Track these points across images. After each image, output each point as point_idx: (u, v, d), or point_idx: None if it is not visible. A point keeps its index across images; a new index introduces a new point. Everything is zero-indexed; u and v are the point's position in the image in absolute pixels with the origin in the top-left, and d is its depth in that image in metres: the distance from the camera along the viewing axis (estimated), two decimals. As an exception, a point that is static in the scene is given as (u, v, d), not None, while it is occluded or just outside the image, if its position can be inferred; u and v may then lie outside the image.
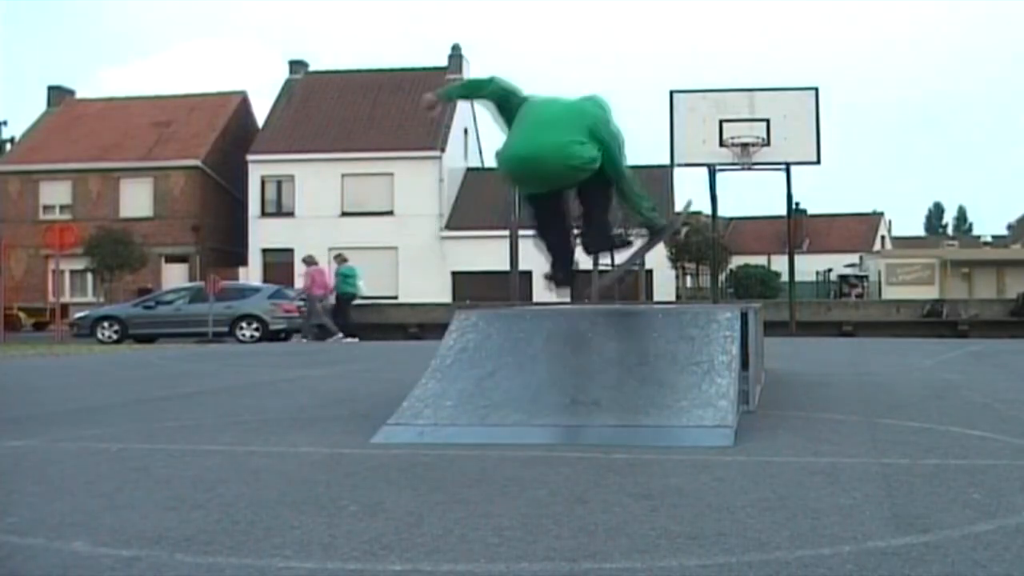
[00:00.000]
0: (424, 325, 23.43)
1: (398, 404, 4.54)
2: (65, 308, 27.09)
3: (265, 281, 29.72)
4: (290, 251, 33.77)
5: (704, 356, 4.50)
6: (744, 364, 4.90)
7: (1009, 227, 66.89)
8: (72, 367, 10.84)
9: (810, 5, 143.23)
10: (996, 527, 2.61)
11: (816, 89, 18.82)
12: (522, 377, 4.57)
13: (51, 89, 42.41)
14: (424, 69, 40.63)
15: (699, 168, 19.44)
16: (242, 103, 41.70)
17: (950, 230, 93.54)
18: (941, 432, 4.41)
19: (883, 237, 54.41)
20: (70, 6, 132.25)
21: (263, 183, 37.79)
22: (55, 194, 38.30)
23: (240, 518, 2.81)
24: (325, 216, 36.86)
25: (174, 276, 35.64)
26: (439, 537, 2.57)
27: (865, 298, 36.64)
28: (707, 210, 19.55)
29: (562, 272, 5.17)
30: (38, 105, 44.27)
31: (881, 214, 56.72)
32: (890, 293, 36.25)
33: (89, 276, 34.49)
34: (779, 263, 33.78)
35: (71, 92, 42.84)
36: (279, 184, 37.93)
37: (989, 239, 59.31)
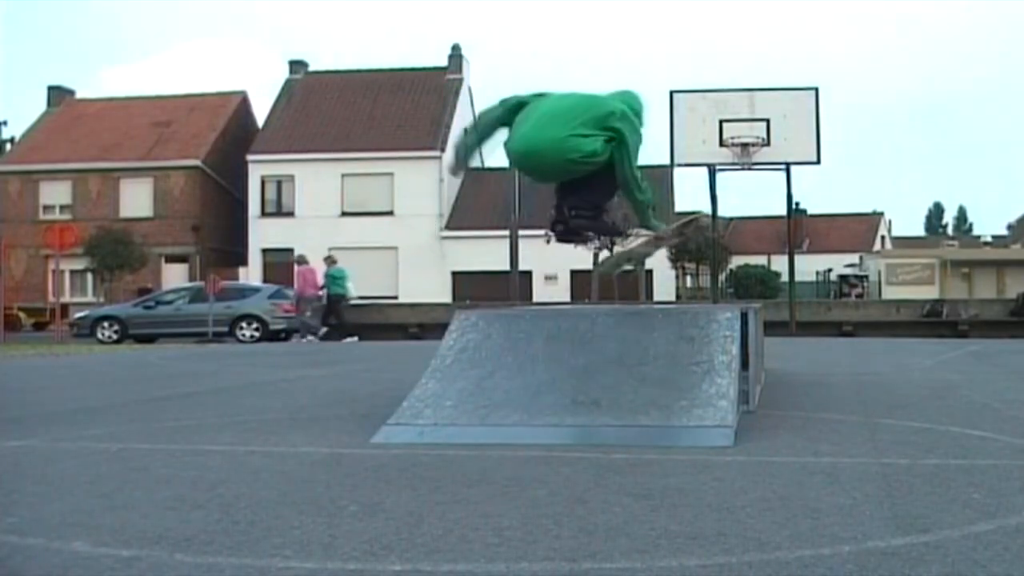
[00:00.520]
0: (424, 325, 23.43)
1: (398, 404, 4.54)
2: (65, 308, 27.10)
3: (265, 281, 29.74)
4: (290, 251, 33.66)
5: (704, 356, 4.50)
6: (744, 364, 4.90)
7: (1009, 227, 66.88)
8: (72, 367, 10.84)
9: (810, 5, 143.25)
10: (996, 527, 2.61)
11: (816, 89, 18.82)
12: (522, 377, 4.57)
13: (51, 89, 42.43)
14: (424, 69, 40.67)
15: (699, 168, 19.46)
16: (242, 103, 41.72)
17: (950, 230, 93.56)
18: (941, 432, 4.41)
19: (883, 237, 54.41)
20: (70, 6, 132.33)
21: (263, 183, 37.81)
22: (55, 194, 38.32)
23: (240, 518, 2.81)
24: (325, 216, 36.88)
25: (174, 276, 35.66)
26: (439, 537, 2.57)
27: (865, 298, 36.63)
28: (707, 210, 19.56)
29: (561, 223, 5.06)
30: (38, 105, 44.30)
31: (881, 214, 56.72)
32: (890, 293, 36.25)
33: (89, 276, 34.51)
34: (779, 263, 33.78)
35: (71, 92, 42.86)
36: (279, 184, 37.94)
37: (989, 239, 59.30)
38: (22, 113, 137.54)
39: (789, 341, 14.23)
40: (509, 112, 5.05)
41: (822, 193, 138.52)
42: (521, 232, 20.95)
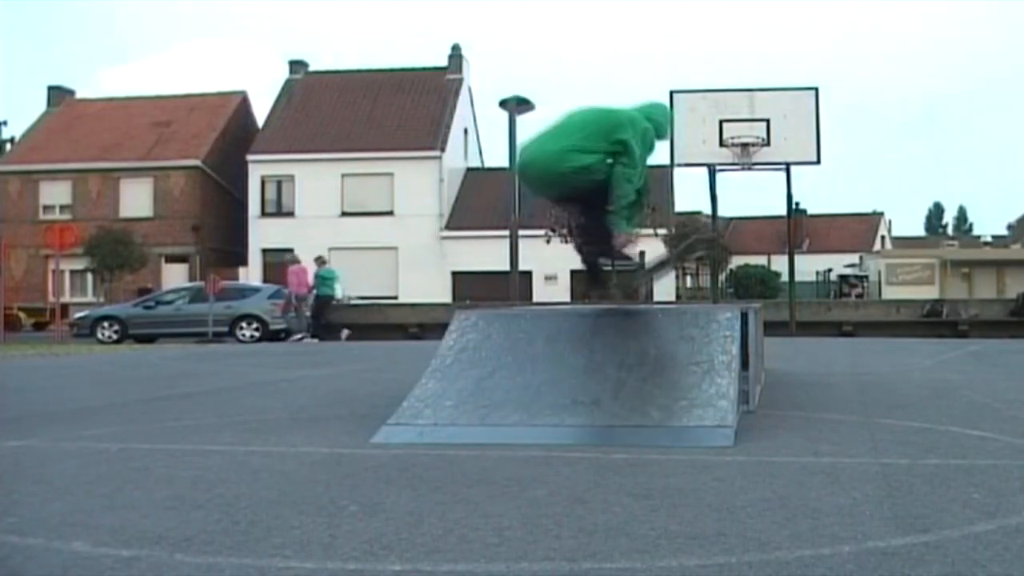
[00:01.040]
0: (424, 325, 23.42)
1: (398, 404, 4.54)
2: (65, 308, 27.10)
3: (265, 281, 29.72)
4: (290, 251, 33.75)
5: (704, 356, 4.50)
6: (744, 364, 4.90)
7: (1009, 227, 66.88)
8: (72, 367, 10.84)
9: (810, 5, 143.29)
10: (996, 527, 2.61)
11: (816, 89, 18.82)
12: (522, 377, 4.57)
13: (51, 89, 42.42)
14: (424, 69, 40.66)
15: (699, 168, 19.44)
16: (242, 103, 41.71)
17: (950, 230, 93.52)
18: (941, 432, 4.41)
19: (883, 237, 54.41)
20: (70, 6, 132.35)
21: (263, 183, 37.80)
22: (55, 194, 38.31)
23: (240, 518, 2.81)
24: (325, 216, 36.87)
25: (174, 276, 35.65)
26: (439, 537, 2.57)
27: (865, 298, 36.63)
28: (707, 210, 19.57)
29: (597, 288, 5.11)
30: (38, 105, 44.31)
31: (881, 214, 56.71)
32: (890, 293, 36.25)
33: (89, 276, 34.49)
34: (779, 263, 33.79)
35: (71, 92, 42.86)
36: (279, 184, 37.94)
37: (989, 239, 59.29)
38: (22, 113, 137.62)
39: (789, 341, 14.23)
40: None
41: (822, 193, 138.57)
42: (521, 232, 20.94)
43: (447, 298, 33.71)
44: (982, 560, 2.30)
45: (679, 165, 19.50)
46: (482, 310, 5.31)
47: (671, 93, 18.81)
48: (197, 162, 38.08)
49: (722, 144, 18.26)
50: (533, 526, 2.67)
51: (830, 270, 42.77)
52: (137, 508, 2.98)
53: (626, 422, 4.21)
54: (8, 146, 45.96)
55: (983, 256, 44.88)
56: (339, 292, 20.61)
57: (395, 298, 33.51)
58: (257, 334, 20.10)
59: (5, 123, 49.44)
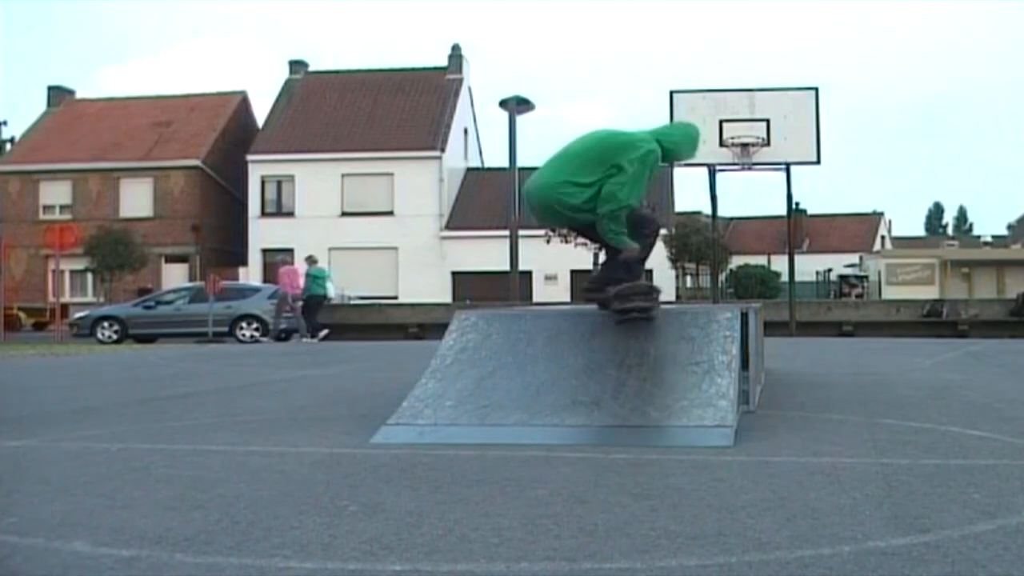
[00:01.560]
0: (424, 325, 23.43)
1: (398, 404, 4.54)
2: (65, 308, 27.11)
3: (265, 281, 29.72)
4: (290, 251, 33.76)
5: (704, 356, 4.50)
6: (744, 364, 4.90)
7: (1009, 227, 66.88)
8: (72, 367, 10.84)
9: (810, 5, 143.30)
10: (996, 527, 2.61)
11: (816, 89, 18.81)
12: (522, 377, 4.57)
13: (51, 89, 42.43)
14: (424, 69, 40.67)
15: (699, 168, 19.43)
16: (242, 103, 41.71)
17: (950, 230, 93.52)
18: (941, 432, 4.41)
19: (883, 237, 54.41)
20: (70, 6, 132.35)
21: (263, 183, 37.80)
22: (55, 194, 38.31)
23: (240, 518, 2.81)
24: (325, 216, 36.88)
25: (174, 276, 35.66)
26: (439, 537, 2.57)
27: (865, 298, 36.62)
28: (707, 210, 19.56)
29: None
30: (38, 105, 44.35)
31: (881, 214, 56.72)
32: (890, 293, 36.24)
33: (89, 276, 34.49)
34: (779, 263, 33.79)
35: (71, 92, 42.86)
36: (279, 184, 37.94)
37: (989, 239, 59.26)
38: (22, 113, 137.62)
39: (789, 341, 14.23)
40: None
41: (822, 193, 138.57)
42: (521, 232, 20.92)
43: (447, 298, 33.71)
44: (982, 560, 2.30)
45: (679, 165, 19.48)
46: (482, 310, 5.31)
47: (671, 93, 18.82)
48: (197, 162, 38.08)
49: (722, 144, 18.25)
50: (533, 526, 2.67)
51: (830, 270, 42.77)
52: (137, 508, 2.98)
53: (626, 422, 4.21)
54: (8, 146, 45.95)
55: (983, 256, 44.87)
56: (331, 291, 20.67)
57: (395, 298, 33.51)
58: (257, 334, 20.11)
59: (5, 123, 49.34)
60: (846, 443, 4.08)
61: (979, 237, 67.47)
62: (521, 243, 20.99)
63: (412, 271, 36.43)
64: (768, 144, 18.25)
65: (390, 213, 37.21)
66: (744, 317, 4.96)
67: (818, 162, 18.79)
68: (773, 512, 2.81)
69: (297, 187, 37.61)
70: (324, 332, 18.79)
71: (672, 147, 5.02)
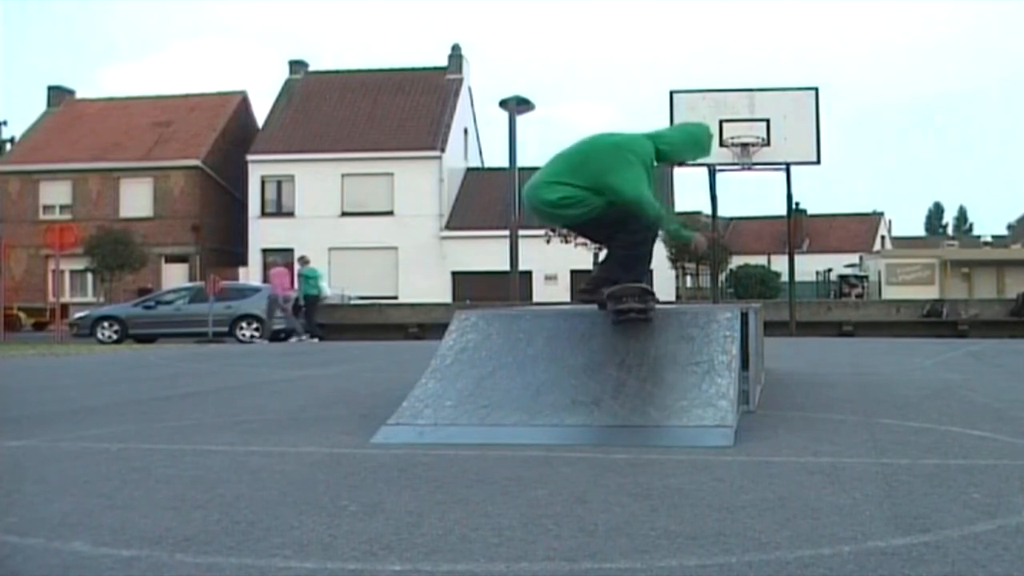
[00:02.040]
0: (424, 325, 23.44)
1: (398, 404, 4.54)
2: (65, 308, 27.11)
3: (265, 281, 29.73)
4: (290, 251, 33.77)
5: (704, 356, 4.50)
6: (744, 364, 4.90)
7: (1009, 227, 66.90)
8: (72, 367, 10.84)
9: (810, 5, 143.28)
10: (996, 527, 2.61)
11: (816, 89, 18.81)
12: (522, 377, 4.57)
13: (51, 89, 42.42)
14: (424, 69, 40.67)
15: (699, 168, 19.42)
16: (242, 103, 41.71)
17: (950, 230, 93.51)
18: (941, 432, 4.41)
19: (883, 237, 54.39)
20: (70, 6, 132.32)
21: (263, 183, 37.80)
22: (55, 194, 38.31)
23: (240, 518, 2.81)
24: (325, 216, 36.88)
25: (174, 276, 35.65)
26: (439, 537, 2.57)
27: (865, 298, 36.63)
28: (707, 210, 19.56)
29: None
30: (38, 105, 44.40)
31: (881, 214, 56.71)
32: (890, 293, 36.25)
33: (89, 276, 34.49)
34: (779, 263, 33.78)
35: (71, 92, 42.85)
36: (279, 184, 37.94)
37: (989, 239, 59.27)
38: (22, 113, 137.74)
39: (789, 341, 14.23)
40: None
41: (822, 193, 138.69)
42: (521, 232, 20.92)
43: (447, 298, 33.71)
44: (982, 560, 2.30)
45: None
46: (482, 310, 5.31)
47: (671, 93, 18.81)
48: (197, 162, 38.07)
49: (722, 144, 18.23)
50: (533, 526, 2.67)
51: (830, 270, 42.77)
52: (137, 508, 2.98)
53: (626, 422, 4.21)
54: (8, 146, 45.97)
55: (983, 256, 44.87)
56: (325, 290, 20.73)
57: (395, 298, 33.52)
58: (257, 334, 20.11)
59: (5, 123, 49.50)
60: (846, 443, 4.08)
61: (979, 237, 67.46)
62: (521, 243, 20.99)
63: (412, 271, 36.44)
64: (768, 144, 18.24)
65: (390, 213, 37.21)
66: (744, 317, 4.96)
67: (818, 162, 18.79)
68: (773, 512, 2.81)
69: (297, 187, 37.60)
70: (314, 340, 18.85)
71: (668, 148, 4.99)
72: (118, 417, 5.55)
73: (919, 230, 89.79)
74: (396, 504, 2.98)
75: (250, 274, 35.04)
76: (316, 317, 19.88)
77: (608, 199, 4.78)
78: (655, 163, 4.97)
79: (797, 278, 22.16)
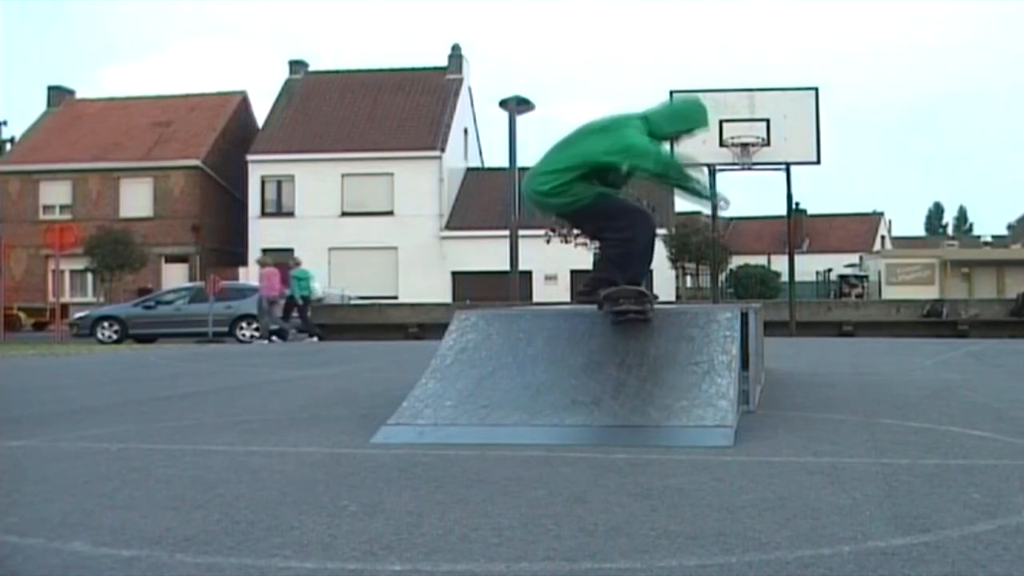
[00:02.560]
0: (424, 325, 23.45)
1: (398, 404, 4.54)
2: (65, 308, 27.11)
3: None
4: (290, 251, 33.71)
5: (704, 356, 4.50)
6: (744, 364, 4.90)
7: (1009, 227, 66.89)
8: (72, 367, 10.84)
9: (810, 5, 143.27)
10: (996, 527, 2.61)
11: (816, 89, 18.82)
12: (522, 377, 4.56)
13: (51, 89, 42.43)
14: (424, 69, 40.67)
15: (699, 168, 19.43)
16: (242, 103, 41.71)
17: (950, 230, 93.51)
18: (941, 432, 4.41)
19: (883, 237, 54.40)
20: (70, 6, 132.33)
21: (263, 183, 37.80)
22: (55, 194, 38.31)
23: (240, 518, 2.81)
24: (325, 216, 36.88)
25: (174, 276, 35.66)
26: (439, 537, 2.57)
27: (865, 298, 36.63)
28: (707, 210, 19.55)
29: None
30: (38, 105, 44.41)
31: (881, 214, 56.71)
32: (890, 293, 36.25)
33: (89, 276, 34.49)
34: (779, 263, 33.78)
35: (71, 92, 42.86)
36: (279, 184, 37.94)
37: (989, 239, 59.27)
38: (22, 113, 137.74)
39: (789, 341, 14.24)
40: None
41: (822, 193, 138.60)
42: (521, 232, 20.93)
43: (447, 298, 33.72)
44: (982, 560, 2.30)
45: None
46: (482, 310, 5.31)
47: (671, 93, 18.74)
48: (197, 162, 38.07)
49: (722, 144, 18.25)
50: (533, 526, 2.67)
51: (830, 270, 42.77)
52: (137, 508, 2.98)
53: (626, 422, 4.21)
54: (8, 146, 45.96)
55: (983, 256, 44.87)
56: (317, 291, 20.77)
57: (395, 298, 33.53)
58: (257, 334, 20.13)
59: (5, 123, 49.45)
60: (846, 443, 4.08)
61: (979, 237, 67.46)
62: (521, 243, 21.00)
63: (412, 271, 36.44)
64: (768, 144, 18.25)
65: (390, 213, 37.21)
66: (744, 317, 4.96)
67: (818, 162, 18.80)
68: (773, 512, 2.81)
69: (297, 187, 37.60)
70: (313, 340, 18.93)
71: (653, 122, 4.88)
72: (118, 417, 5.55)
73: (919, 230, 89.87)
74: (396, 504, 2.98)
75: (250, 274, 34.93)
76: (311, 317, 19.96)
77: (599, 190, 4.78)
78: (651, 136, 4.89)
79: (797, 278, 22.16)
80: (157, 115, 40.01)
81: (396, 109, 38.75)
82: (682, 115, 5.04)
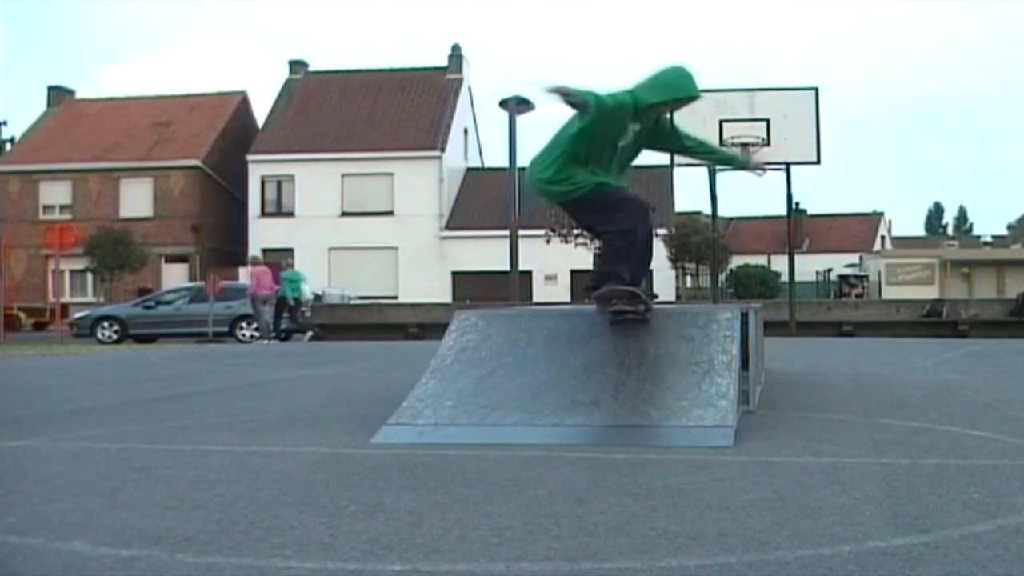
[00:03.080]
0: (424, 325, 23.45)
1: (398, 404, 4.54)
2: (65, 308, 27.13)
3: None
4: (290, 251, 33.79)
5: (704, 356, 4.50)
6: (744, 364, 4.89)
7: (1009, 227, 66.89)
8: (72, 367, 10.84)
9: (810, 5, 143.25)
10: (996, 527, 2.61)
11: (816, 89, 18.83)
12: (522, 377, 4.56)
13: (51, 89, 42.45)
14: (424, 69, 40.69)
15: (699, 168, 19.45)
16: (242, 103, 41.73)
17: (950, 230, 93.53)
18: (941, 432, 4.41)
19: (883, 237, 54.41)
20: (70, 6, 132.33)
21: (263, 183, 37.82)
22: (55, 194, 38.34)
23: (240, 518, 2.81)
24: (325, 216, 36.90)
25: (174, 276, 35.69)
26: (439, 537, 2.57)
27: (865, 298, 36.63)
28: (707, 210, 19.59)
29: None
30: (38, 105, 44.44)
31: (881, 214, 56.72)
32: (890, 293, 36.25)
33: (89, 276, 34.51)
34: (779, 263, 33.79)
35: (71, 92, 42.88)
36: (279, 184, 37.96)
37: (989, 239, 59.27)
38: (22, 113, 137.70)
39: (789, 341, 14.24)
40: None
41: (822, 193, 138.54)
42: (521, 232, 20.93)
43: (447, 298, 33.73)
44: (982, 560, 2.30)
45: (679, 165, 19.53)
46: (482, 310, 5.31)
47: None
48: (197, 162, 38.09)
49: (722, 144, 18.25)
50: (533, 526, 2.67)
51: (830, 270, 42.78)
52: (137, 508, 2.98)
53: (626, 422, 4.21)
54: (8, 146, 45.98)
55: (983, 256, 44.87)
56: (307, 293, 20.82)
57: (395, 298, 33.53)
58: (257, 334, 20.14)
59: (5, 123, 49.40)
60: (846, 443, 4.08)
61: (979, 237, 67.47)
62: (521, 243, 21.00)
63: (412, 271, 36.45)
64: (768, 144, 18.25)
65: (390, 213, 37.23)
66: (744, 317, 4.96)
67: (818, 162, 18.81)
68: (773, 512, 2.81)
69: (297, 187, 37.62)
70: (310, 334, 19.05)
71: (644, 92, 4.76)
72: (118, 417, 5.54)
73: (919, 230, 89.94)
74: (396, 504, 2.98)
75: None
76: (294, 320, 20.09)
77: (599, 179, 4.75)
78: (636, 109, 4.73)
79: (797, 278, 22.17)
80: (157, 115, 40.03)
81: (396, 109, 38.76)
82: (665, 83, 4.81)
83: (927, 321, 24.62)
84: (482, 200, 37.44)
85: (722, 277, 33.51)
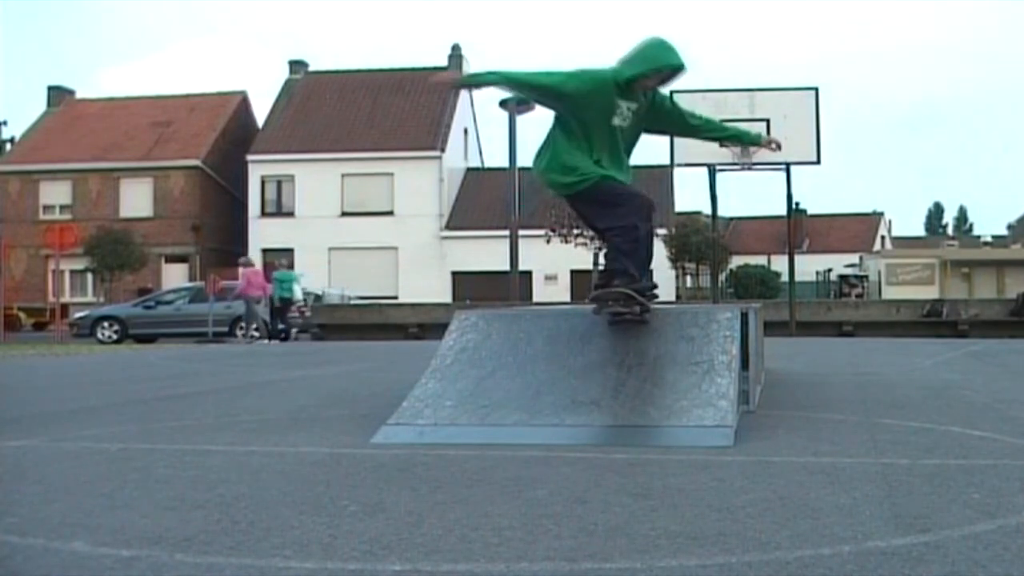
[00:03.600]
0: (424, 325, 23.43)
1: (398, 404, 4.54)
2: (65, 308, 27.14)
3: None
4: (290, 251, 33.82)
5: (704, 356, 4.49)
6: (744, 364, 4.89)
7: (1009, 227, 66.90)
8: (72, 367, 10.84)
9: (810, 5, 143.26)
10: (996, 527, 2.61)
11: (816, 89, 18.82)
12: (522, 377, 4.56)
13: (51, 89, 42.46)
14: (424, 69, 40.66)
15: (699, 168, 19.44)
16: (242, 103, 41.73)
17: (950, 230, 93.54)
18: (941, 432, 4.41)
19: (883, 237, 54.41)
20: (70, 6, 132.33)
21: (263, 183, 37.83)
22: (55, 194, 38.34)
23: (240, 518, 2.81)
24: (325, 216, 36.90)
25: (174, 276, 35.70)
26: (439, 537, 2.57)
27: (865, 298, 36.62)
28: (707, 210, 19.60)
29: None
30: (38, 105, 44.42)
31: (881, 214, 56.72)
32: (890, 293, 36.25)
33: (89, 276, 34.52)
34: (779, 263, 33.79)
35: (71, 92, 42.88)
36: (279, 184, 37.96)
37: (989, 239, 59.27)
38: (22, 113, 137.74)
39: (789, 341, 14.24)
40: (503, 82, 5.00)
41: (822, 193, 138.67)
42: (521, 232, 20.93)
43: (447, 298, 33.73)
44: (982, 560, 2.30)
45: (679, 165, 19.49)
46: (482, 310, 5.31)
47: (671, 93, 18.77)
48: (197, 162, 38.09)
49: (722, 144, 18.23)
50: (533, 526, 2.67)
51: (830, 270, 42.79)
52: (137, 508, 2.98)
53: (626, 422, 4.21)
54: (8, 146, 45.98)
55: (983, 256, 44.87)
56: (298, 294, 20.83)
57: (395, 298, 33.53)
58: (257, 334, 20.14)
59: (5, 123, 49.48)
60: (846, 443, 4.08)
61: (979, 237, 67.47)
62: (521, 243, 20.99)
63: (412, 271, 36.45)
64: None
65: (390, 213, 37.23)
66: (744, 317, 4.95)
67: (818, 162, 18.79)
68: (773, 512, 2.81)
69: (297, 187, 37.63)
70: (274, 341, 19.08)
71: (624, 67, 4.73)
72: (118, 417, 5.55)
73: (919, 230, 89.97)
74: (396, 504, 2.98)
75: (250, 274, 35.04)
76: (283, 321, 20.12)
77: (603, 172, 4.73)
78: (618, 84, 4.71)
79: (797, 278, 22.15)
80: (157, 115, 40.04)
81: (396, 109, 38.77)
82: (644, 55, 4.75)
83: (927, 321, 24.61)
84: (482, 200, 37.45)
85: (722, 277, 33.51)
